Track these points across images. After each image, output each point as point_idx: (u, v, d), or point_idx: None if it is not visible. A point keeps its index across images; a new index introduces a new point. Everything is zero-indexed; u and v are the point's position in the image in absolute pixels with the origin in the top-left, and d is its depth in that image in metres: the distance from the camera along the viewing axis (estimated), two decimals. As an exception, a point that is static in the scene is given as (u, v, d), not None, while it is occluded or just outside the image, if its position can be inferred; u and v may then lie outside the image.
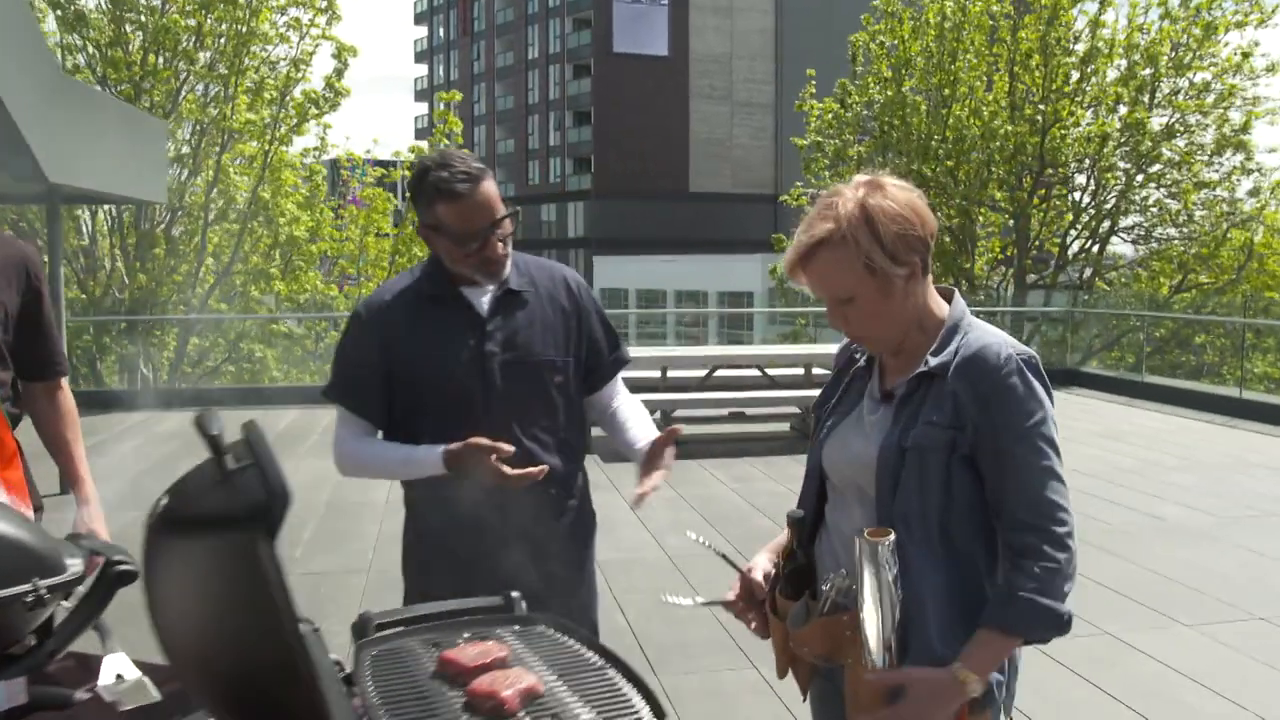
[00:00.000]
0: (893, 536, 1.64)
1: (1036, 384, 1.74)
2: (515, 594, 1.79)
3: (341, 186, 18.75)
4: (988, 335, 1.80)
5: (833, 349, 1.87)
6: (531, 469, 2.17)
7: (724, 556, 1.99)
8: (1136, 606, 4.89)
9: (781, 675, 1.94)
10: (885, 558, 1.62)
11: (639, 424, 2.45)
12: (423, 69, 76.55)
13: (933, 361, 1.78)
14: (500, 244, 2.26)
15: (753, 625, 1.97)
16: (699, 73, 61.14)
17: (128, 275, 15.71)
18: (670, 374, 10.15)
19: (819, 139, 19.89)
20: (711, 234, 56.23)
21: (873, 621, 1.64)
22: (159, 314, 15.83)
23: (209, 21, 15.11)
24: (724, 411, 10.41)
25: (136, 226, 15.86)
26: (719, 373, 10.15)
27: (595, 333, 2.44)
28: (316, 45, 15.82)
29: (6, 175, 6.41)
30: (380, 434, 2.37)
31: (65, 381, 2.62)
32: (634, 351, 11.15)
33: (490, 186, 2.23)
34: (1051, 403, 1.76)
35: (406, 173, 17.47)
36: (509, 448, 2.15)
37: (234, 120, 15.27)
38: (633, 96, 59.72)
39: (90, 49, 15.23)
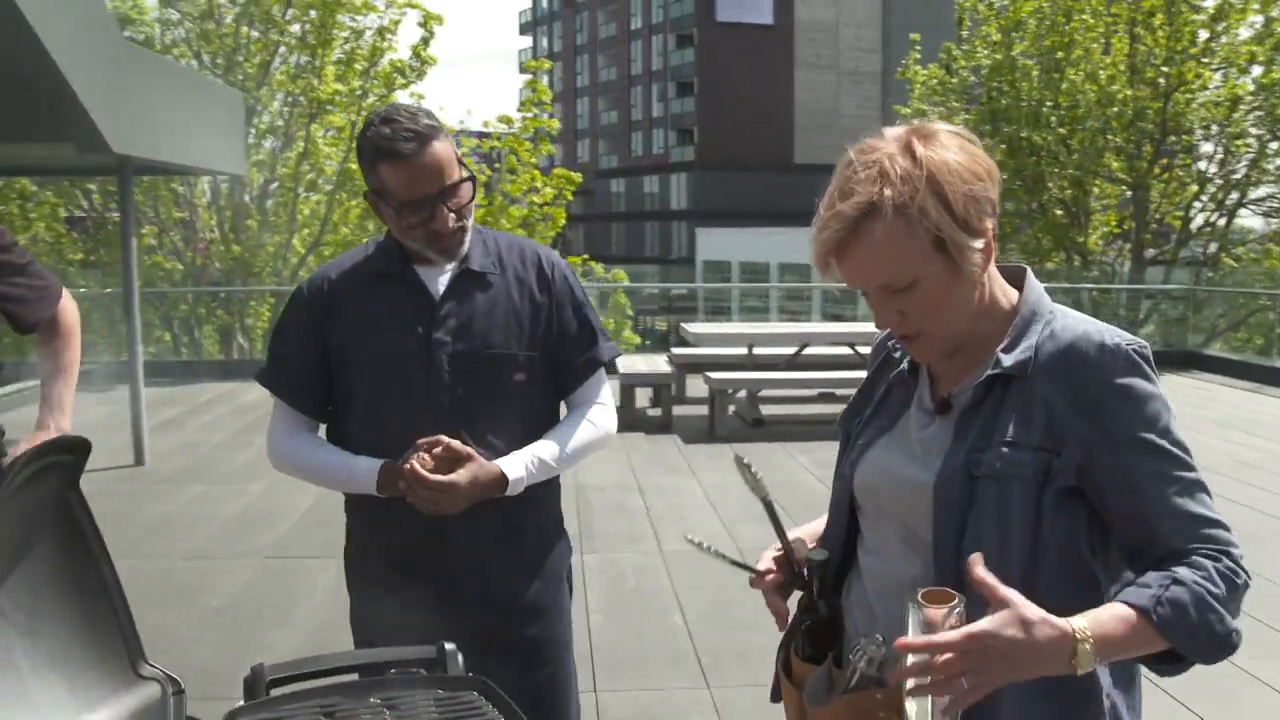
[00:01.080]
0: (960, 603, 1.19)
1: (1153, 379, 1.36)
2: (450, 646, 1.46)
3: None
4: (1081, 323, 1.39)
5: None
6: (439, 493, 1.86)
7: (727, 558, 1.55)
8: (1261, 628, 4.31)
9: None
10: (955, 629, 1.18)
11: (543, 444, 2.04)
12: (527, 41, 76.79)
13: (1006, 360, 1.36)
14: (452, 216, 1.94)
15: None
16: (804, 41, 59.80)
17: (224, 246, 15.93)
18: (757, 351, 9.73)
19: (923, 107, 18.97)
20: (816, 206, 55.03)
21: (924, 709, 1.22)
22: (253, 285, 16.02)
23: (300, -8, 15.14)
24: (813, 392, 9.96)
25: (232, 198, 16.05)
26: (809, 350, 9.68)
27: (568, 326, 2.09)
28: (403, 14, 15.73)
29: (71, 147, 6.34)
30: (323, 428, 2.08)
31: (60, 311, 2.50)
32: (726, 327, 10.89)
33: (442, 148, 1.90)
34: None
35: (496, 144, 17.31)
36: (452, 443, 1.90)
37: (321, 91, 15.28)
38: (737, 66, 58.77)
39: (187, 24, 15.42)
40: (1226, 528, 1.32)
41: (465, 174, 1.96)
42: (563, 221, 16.66)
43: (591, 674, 4.01)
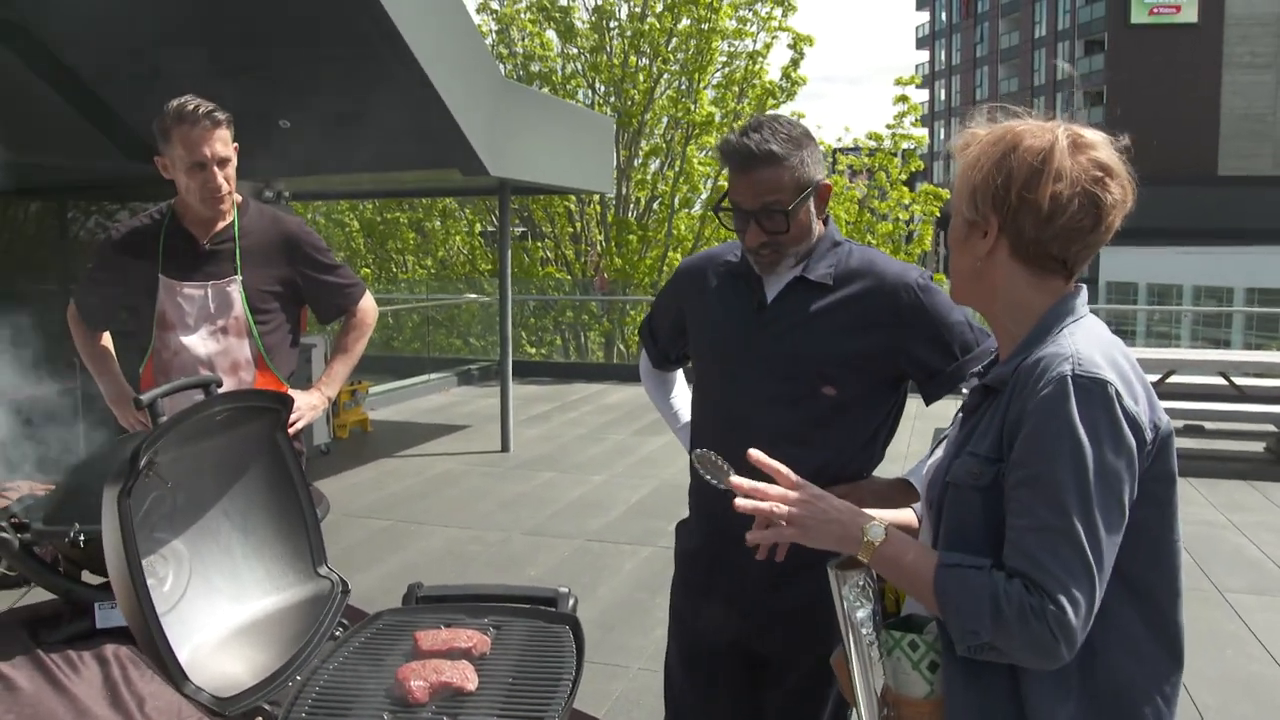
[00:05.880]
0: (863, 571, 1.39)
1: (1079, 415, 1.30)
2: (564, 589, 1.76)
3: (829, 176, 18.93)
4: (1066, 344, 1.38)
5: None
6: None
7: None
8: None
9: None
10: (850, 594, 1.37)
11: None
12: (924, 55, 75.32)
13: (992, 372, 1.48)
14: (763, 235, 2.03)
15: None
16: (1236, 38, 53.66)
17: (607, 259, 17.32)
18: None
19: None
20: (1241, 223, 49.16)
21: (852, 665, 1.40)
22: (633, 295, 17.27)
23: (685, 23, 16.14)
24: (1178, 424, 9.14)
25: (617, 214, 17.42)
26: (1175, 379, 8.91)
27: (918, 352, 2.07)
28: (774, 37, 16.26)
29: (457, 172, 7.36)
30: (678, 372, 2.50)
31: (359, 307, 3.05)
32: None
33: (772, 173, 1.98)
34: (1111, 445, 1.30)
35: (867, 160, 17.38)
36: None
37: (696, 114, 16.18)
38: (1152, 71, 53.98)
39: (582, 57, 16.99)
40: (1061, 583, 1.27)
41: (788, 202, 1.99)
42: (929, 239, 16.39)
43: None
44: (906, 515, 1.77)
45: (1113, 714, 1.39)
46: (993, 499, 1.36)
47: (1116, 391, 1.32)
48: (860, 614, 1.36)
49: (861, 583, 1.37)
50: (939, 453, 1.57)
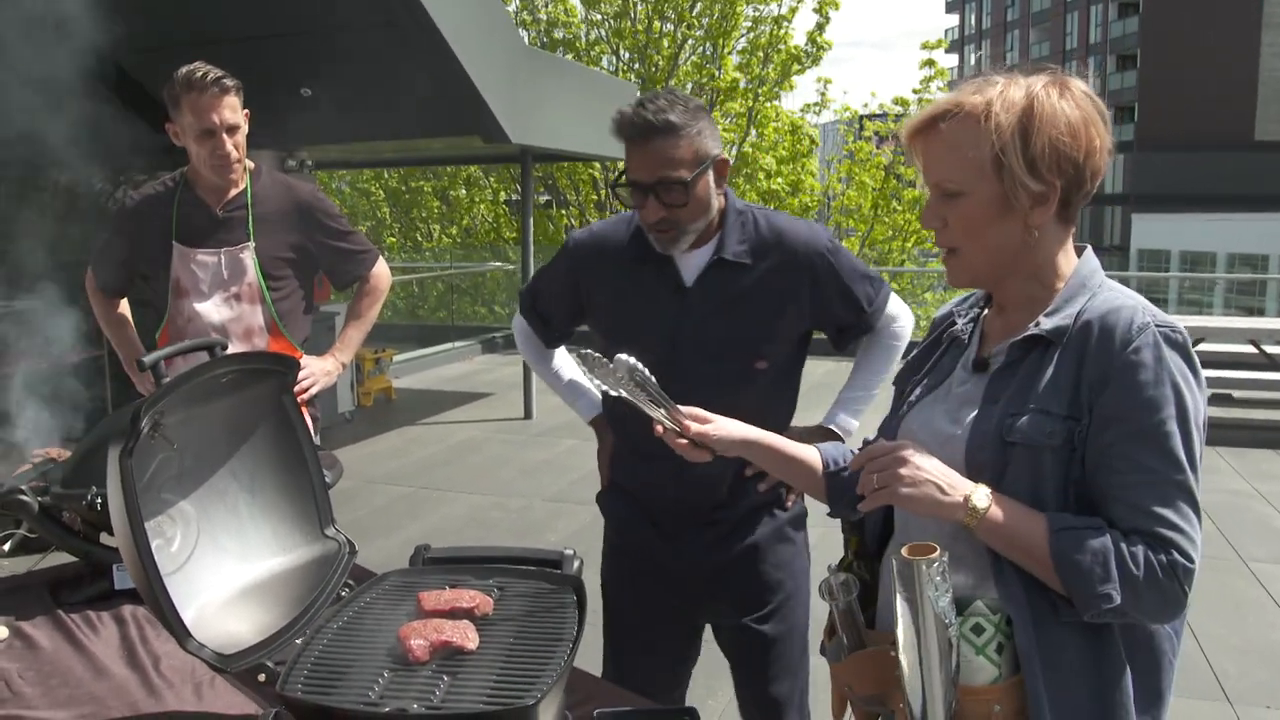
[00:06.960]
0: (942, 555, 1.26)
1: (1174, 366, 1.31)
2: (569, 551, 1.77)
3: (854, 142, 18.81)
4: (1121, 297, 1.38)
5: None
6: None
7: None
8: None
9: (836, 718, 1.61)
10: (932, 581, 1.25)
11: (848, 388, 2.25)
12: (953, 19, 74.25)
13: (1045, 323, 1.40)
14: (661, 208, 2.00)
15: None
16: None
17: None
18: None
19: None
20: (1278, 189, 48.40)
21: (913, 665, 1.28)
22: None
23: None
24: (1206, 392, 9.02)
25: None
26: (1204, 346, 8.79)
27: (835, 309, 2.17)
28: (799, 1, 16.07)
29: (478, 139, 7.34)
30: (559, 350, 2.41)
31: (372, 274, 3.04)
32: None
33: (665, 145, 1.95)
34: (1199, 393, 1.33)
35: (893, 126, 17.20)
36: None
37: (721, 80, 16.05)
38: (1187, 33, 52.95)
39: (606, 23, 16.87)
40: (1186, 535, 1.28)
41: (687, 174, 1.95)
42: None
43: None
44: (811, 453, 1.71)
45: (1139, 649, 1.39)
46: (1064, 458, 1.34)
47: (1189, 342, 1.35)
48: (943, 603, 1.25)
49: (943, 569, 1.25)
50: (940, 414, 1.49)
